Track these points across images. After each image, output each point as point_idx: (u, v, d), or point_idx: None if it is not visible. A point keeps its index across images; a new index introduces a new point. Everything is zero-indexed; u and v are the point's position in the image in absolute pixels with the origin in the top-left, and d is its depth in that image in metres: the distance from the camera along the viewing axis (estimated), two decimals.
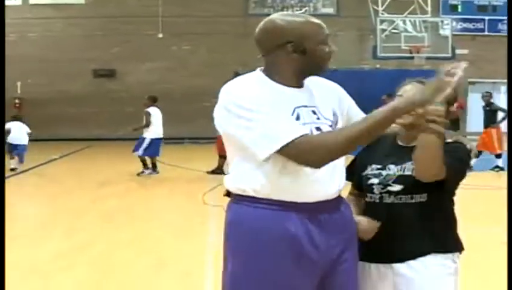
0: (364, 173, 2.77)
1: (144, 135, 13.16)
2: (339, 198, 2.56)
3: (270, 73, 2.49)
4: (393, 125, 2.35)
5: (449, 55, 21.05)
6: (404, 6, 21.45)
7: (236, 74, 24.42)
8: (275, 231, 2.39)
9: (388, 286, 2.69)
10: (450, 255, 2.67)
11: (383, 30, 20.80)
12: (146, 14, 23.95)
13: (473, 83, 25.19)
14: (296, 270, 2.41)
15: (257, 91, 2.38)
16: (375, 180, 2.72)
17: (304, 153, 2.28)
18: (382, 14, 21.35)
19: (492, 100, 15.32)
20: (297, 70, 2.48)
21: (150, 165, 13.32)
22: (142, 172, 13.15)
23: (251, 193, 2.41)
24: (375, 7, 21.69)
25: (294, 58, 2.45)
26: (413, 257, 2.63)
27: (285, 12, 2.15)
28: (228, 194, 2.58)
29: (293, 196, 2.40)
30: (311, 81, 2.56)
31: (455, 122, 18.61)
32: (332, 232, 2.47)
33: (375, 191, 2.71)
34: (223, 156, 13.35)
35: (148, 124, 13.11)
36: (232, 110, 2.35)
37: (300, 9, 24.20)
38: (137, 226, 8.26)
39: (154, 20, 24.03)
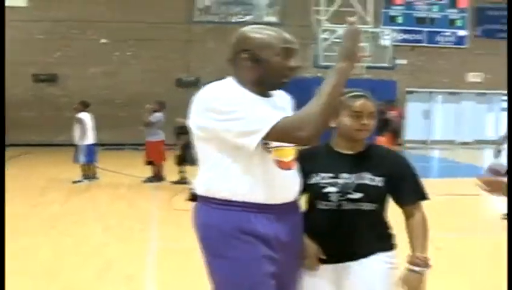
0: (312, 182, 2.92)
1: (80, 142, 12.97)
2: (296, 200, 2.81)
3: (237, 80, 2.64)
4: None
5: (388, 64, 21.56)
6: (346, 16, 21.85)
7: (180, 81, 24.40)
8: (247, 231, 2.58)
9: (343, 282, 2.95)
10: (391, 252, 2.99)
11: (325, 39, 21.05)
12: (89, 19, 23.76)
13: (411, 92, 25.85)
14: (270, 267, 2.62)
15: (235, 91, 2.56)
16: (332, 189, 2.88)
17: (293, 130, 2.39)
18: (324, 23, 21.65)
19: (385, 109, 15.24)
20: (254, 80, 2.61)
21: (88, 174, 13.22)
22: (79, 181, 13.00)
23: (226, 195, 2.57)
24: (318, 17, 22.01)
25: (249, 66, 2.59)
26: (366, 256, 2.92)
27: (259, 26, 2.69)
28: (193, 198, 2.72)
29: (265, 198, 2.59)
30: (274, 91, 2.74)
31: (396, 131, 19.05)
32: (292, 231, 2.72)
33: (333, 199, 2.88)
34: (151, 163, 13.38)
35: (86, 131, 12.97)
36: (216, 108, 2.47)
37: (244, 17, 24.42)
38: (80, 231, 8.31)
39: (97, 25, 23.86)
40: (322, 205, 2.91)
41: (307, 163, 2.92)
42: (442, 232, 8.16)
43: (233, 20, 24.38)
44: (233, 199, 2.55)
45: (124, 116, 23.28)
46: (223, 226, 2.57)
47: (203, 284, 2.98)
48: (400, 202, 3.00)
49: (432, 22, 25.71)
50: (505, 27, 26.30)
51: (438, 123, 27.32)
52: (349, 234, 2.90)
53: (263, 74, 2.58)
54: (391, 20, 25.25)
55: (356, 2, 21.89)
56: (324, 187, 2.89)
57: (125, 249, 7.20)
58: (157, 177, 13.18)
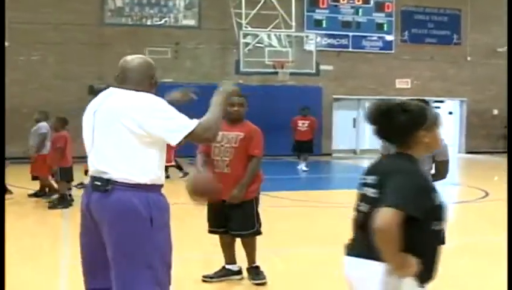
0: (438, 203, 3.09)
1: None
2: None
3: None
4: None
5: (313, 71, 22.05)
6: (268, 20, 22.17)
7: (91, 88, 23.42)
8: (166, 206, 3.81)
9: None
10: None
11: (247, 44, 21.38)
12: None
13: (337, 100, 26.45)
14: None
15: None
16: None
17: (204, 133, 3.58)
18: (246, 27, 21.98)
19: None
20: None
21: None
22: None
23: (148, 181, 3.63)
24: (239, 20, 22.34)
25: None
26: None
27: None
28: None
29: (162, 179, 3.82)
30: None
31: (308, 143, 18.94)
32: None
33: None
34: (37, 178, 13.25)
35: None
36: (155, 109, 3.57)
37: (160, 20, 24.50)
38: None
39: None
40: (438, 226, 3.06)
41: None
42: None
43: (148, 23, 24.40)
44: (153, 183, 3.68)
45: (32, 126, 22.94)
46: (161, 205, 3.72)
47: None
48: None
49: (358, 26, 26.56)
50: (432, 32, 27.42)
51: (366, 131, 27.91)
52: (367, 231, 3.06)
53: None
54: (315, 24, 25.84)
55: (278, 5, 22.33)
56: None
57: (36, 269, 7.25)
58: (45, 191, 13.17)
